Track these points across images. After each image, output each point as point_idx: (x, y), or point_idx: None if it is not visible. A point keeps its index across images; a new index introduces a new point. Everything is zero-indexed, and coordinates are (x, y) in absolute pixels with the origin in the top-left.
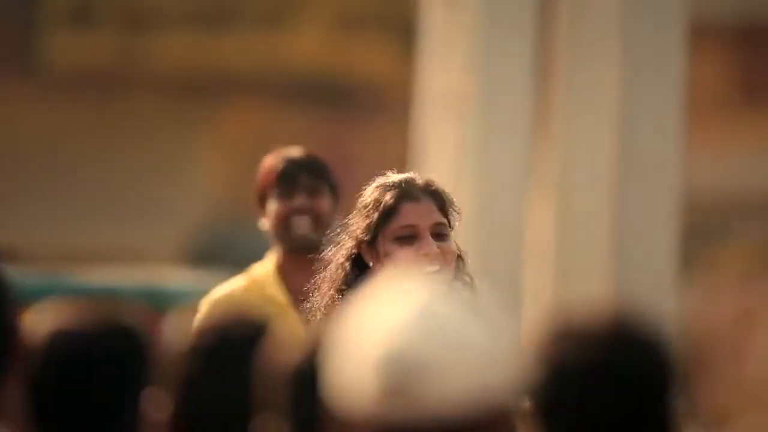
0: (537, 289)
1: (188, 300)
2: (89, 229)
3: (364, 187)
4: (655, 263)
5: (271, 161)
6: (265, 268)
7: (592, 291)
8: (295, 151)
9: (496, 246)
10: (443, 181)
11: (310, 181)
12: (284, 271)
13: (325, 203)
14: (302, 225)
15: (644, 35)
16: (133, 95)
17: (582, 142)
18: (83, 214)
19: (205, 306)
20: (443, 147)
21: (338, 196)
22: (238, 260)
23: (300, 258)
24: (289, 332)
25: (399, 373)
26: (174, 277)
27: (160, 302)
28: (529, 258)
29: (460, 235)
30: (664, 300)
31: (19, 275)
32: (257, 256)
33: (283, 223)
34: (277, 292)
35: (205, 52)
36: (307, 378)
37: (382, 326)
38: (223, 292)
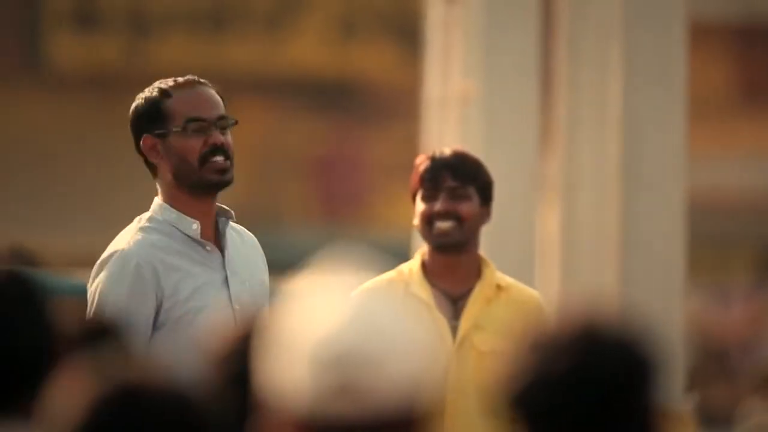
0: (545, 291)
1: None
2: (95, 231)
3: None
4: (663, 265)
5: (421, 160)
6: (412, 264)
7: (599, 293)
8: (444, 151)
9: (503, 251)
10: None
11: (454, 184)
12: (429, 270)
13: (468, 206)
14: (443, 228)
15: (646, 35)
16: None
17: (586, 143)
18: (84, 216)
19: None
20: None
21: (488, 196)
22: None
23: (445, 257)
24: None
25: (343, 370)
26: None
27: None
28: (538, 261)
29: None
30: (671, 302)
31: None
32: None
33: (427, 226)
34: (420, 290)
35: (208, 53)
36: (237, 364)
37: (321, 324)
38: (369, 283)
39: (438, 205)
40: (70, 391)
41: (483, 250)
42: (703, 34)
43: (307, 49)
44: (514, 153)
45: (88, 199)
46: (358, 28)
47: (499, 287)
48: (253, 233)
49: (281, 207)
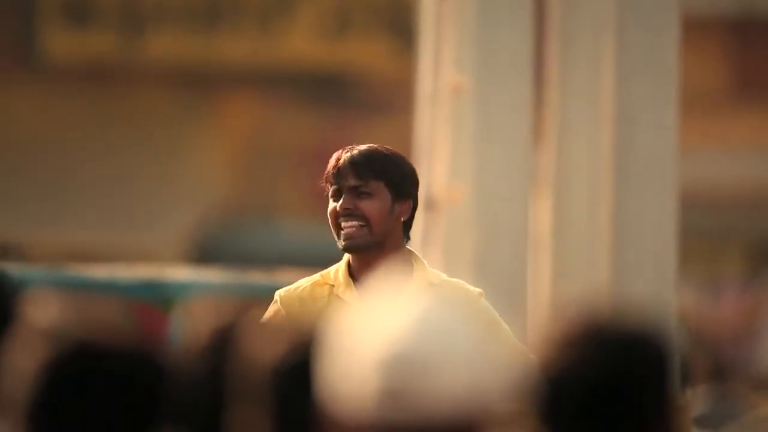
0: (537, 287)
1: (190, 294)
2: (89, 226)
3: None
4: (655, 259)
5: (334, 155)
6: (338, 265)
7: (591, 289)
8: (355, 148)
9: (495, 243)
10: (439, 177)
11: (356, 182)
12: (354, 269)
13: (370, 204)
14: (348, 231)
15: (639, 30)
16: (133, 89)
17: (579, 138)
18: (83, 211)
19: (275, 297)
20: (439, 143)
21: (403, 190)
22: (241, 256)
23: (364, 259)
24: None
25: (401, 374)
26: (176, 272)
27: (162, 297)
28: (530, 255)
29: (459, 231)
30: (664, 296)
31: (22, 270)
32: (260, 251)
33: (335, 227)
34: (346, 293)
35: (202, 46)
36: (292, 373)
37: (382, 330)
38: (291, 286)
39: (341, 204)
40: (22, 355)
41: (476, 245)
42: (696, 29)
43: (301, 43)
44: (507, 147)
45: (83, 193)
46: (352, 22)
47: (432, 285)
48: (246, 227)
49: (274, 200)
